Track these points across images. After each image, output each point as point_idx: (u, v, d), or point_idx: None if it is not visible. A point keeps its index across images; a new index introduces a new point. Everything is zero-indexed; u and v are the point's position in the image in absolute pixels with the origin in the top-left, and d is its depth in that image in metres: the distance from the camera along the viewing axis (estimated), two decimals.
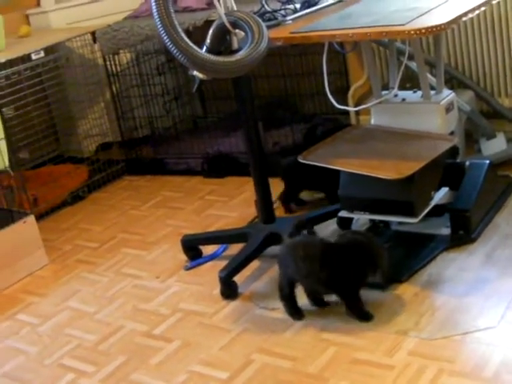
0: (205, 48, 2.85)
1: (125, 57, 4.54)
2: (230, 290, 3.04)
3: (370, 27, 2.69)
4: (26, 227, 3.58)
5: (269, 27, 2.89)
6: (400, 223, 3.08)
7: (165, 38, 2.60)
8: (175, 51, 2.60)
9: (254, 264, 3.18)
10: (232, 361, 2.62)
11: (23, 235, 3.57)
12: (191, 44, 2.62)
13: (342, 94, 4.15)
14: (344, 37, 2.77)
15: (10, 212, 3.68)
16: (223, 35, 2.87)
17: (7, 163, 3.46)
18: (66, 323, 3.11)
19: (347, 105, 4.14)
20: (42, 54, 4.11)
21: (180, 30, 2.59)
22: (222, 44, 2.89)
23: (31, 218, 3.61)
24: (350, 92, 4.24)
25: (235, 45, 2.89)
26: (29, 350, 2.97)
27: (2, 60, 3.94)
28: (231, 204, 3.91)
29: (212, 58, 2.65)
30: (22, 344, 3.04)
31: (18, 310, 3.31)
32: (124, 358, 2.78)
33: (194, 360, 2.67)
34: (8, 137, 3.59)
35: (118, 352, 2.82)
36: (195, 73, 2.86)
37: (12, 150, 3.66)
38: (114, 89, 4.58)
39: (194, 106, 4.96)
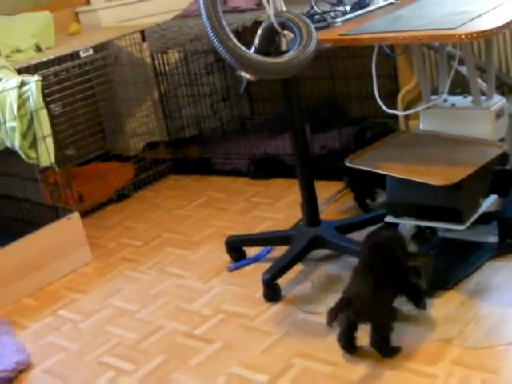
0: (253, 49, 2.83)
1: (173, 56, 4.54)
2: (272, 293, 3.01)
3: (420, 30, 2.65)
4: (71, 224, 3.59)
5: (318, 29, 2.86)
6: (447, 230, 3.03)
7: (212, 37, 2.59)
8: (223, 51, 2.59)
9: (298, 267, 3.15)
10: (272, 364, 2.59)
11: (68, 232, 3.58)
12: (239, 44, 2.60)
13: (391, 97, 4.09)
14: (394, 40, 2.73)
15: (55, 208, 3.69)
16: (272, 36, 2.85)
17: (53, 160, 3.46)
18: (108, 321, 3.11)
19: (396, 109, 4.09)
20: (91, 51, 4.13)
21: (228, 29, 2.58)
22: (271, 45, 2.87)
23: (76, 215, 3.62)
24: (400, 96, 4.19)
25: (284, 46, 2.86)
26: (69, 347, 2.98)
27: (51, 57, 3.96)
28: (276, 206, 3.88)
29: (259, 58, 2.63)
30: (62, 340, 3.04)
31: (60, 306, 3.32)
32: (164, 357, 2.77)
33: (234, 362, 2.65)
34: (55, 133, 3.59)
35: (158, 351, 2.81)
36: (243, 73, 2.83)
37: (58, 146, 3.65)
38: (161, 88, 4.57)
39: (241, 107, 4.94)
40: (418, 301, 2.64)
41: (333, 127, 4.17)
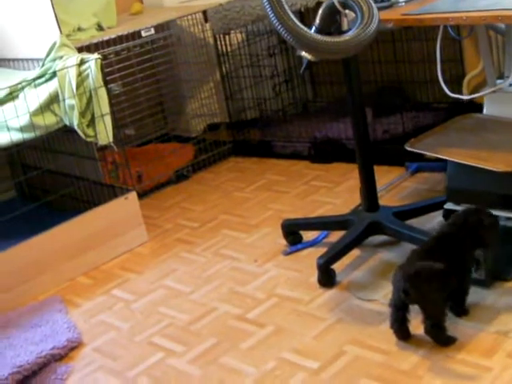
0: (314, 28, 2.78)
1: (235, 37, 4.49)
2: (327, 278, 2.96)
3: (485, 11, 2.56)
4: (128, 203, 3.58)
5: (380, 8, 2.78)
6: (508, 218, 2.93)
7: (272, 16, 2.55)
8: (282, 30, 2.55)
9: (354, 253, 3.10)
10: (324, 351, 2.55)
11: (124, 211, 3.58)
12: (298, 23, 2.56)
13: (456, 82, 3.99)
14: (458, 20, 2.64)
15: (112, 187, 3.69)
16: (333, 15, 2.79)
17: (111, 138, 3.44)
18: (160, 301, 3.10)
19: (462, 94, 3.98)
20: (152, 31, 4.10)
21: (287, 8, 2.53)
22: (332, 24, 2.81)
23: (133, 195, 3.61)
24: (465, 81, 4.07)
25: (345, 26, 2.80)
26: (121, 326, 2.97)
27: (112, 36, 3.95)
28: (336, 190, 3.82)
29: (318, 37, 2.58)
30: (114, 319, 3.04)
31: (113, 285, 3.32)
32: (215, 340, 2.74)
33: (285, 347, 2.61)
34: (114, 113, 3.58)
35: (209, 334, 2.79)
36: (303, 53, 2.77)
37: (118, 126, 3.64)
38: (223, 69, 4.53)
39: (304, 90, 4.87)
40: (461, 305, 2.55)
41: (396, 112, 4.08)
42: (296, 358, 2.54)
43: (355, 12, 2.66)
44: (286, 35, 2.57)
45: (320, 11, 2.79)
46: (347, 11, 2.74)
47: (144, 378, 2.61)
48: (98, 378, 2.68)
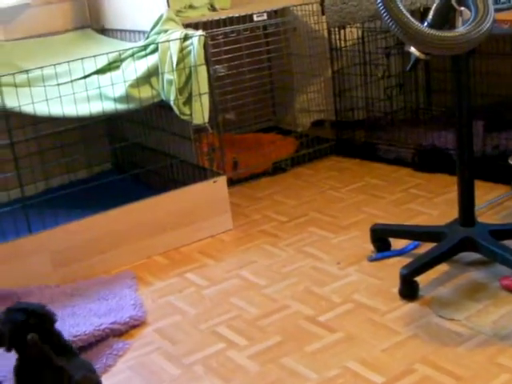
0: (425, 23, 2.63)
1: (351, 32, 4.34)
2: (409, 290, 2.81)
3: None
4: (216, 187, 3.50)
5: (498, 10, 2.62)
6: None
7: (381, 8, 2.43)
8: (390, 22, 2.44)
9: (442, 268, 2.95)
10: (392, 366, 2.40)
11: (212, 195, 3.50)
12: (408, 15, 2.43)
13: None
14: None
15: (203, 169, 3.61)
16: (447, 12, 2.64)
17: (207, 119, 3.36)
18: (233, 291, 3.00)
19: None
20: (265, 16, 4.02)
21: (398, 1, 2.40)
22: (445, 22, 2.65)
23: (222, 179, 3.52)
24: None
25: (459, 24, 2.63)
26: (187, 311, 2.89)
27: (223, 16, 3.87)
28: (434, 201, 3.66)
29: (426, 30, 2.46)
30: (182, 303, 2.96)
31: (189, 268, 3.25)
32: (280, 338, 2.63)
33: (352, 356, 2.47)
34: (216, 95, 3.49)
35: (275, 331, 2.67)
36: (412, 49, 2.64)
37: (217, 108, 3.56)
38: (335, 65, 4.40)
39: (416, 96, 4.69)
40: None
41: (509, 128, 3.88)
42: (361, 370, 2.40)
43: (470, 9, 2.49)
44: (394, 28, 2.46)
45: (434, 7, 2.65)
46: (462, 9, 2.57)
47: (200, 367, 2.51)
48: (154, 359, 2.60)
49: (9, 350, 2.19)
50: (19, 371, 2.17)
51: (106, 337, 2.69)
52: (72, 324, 2.73)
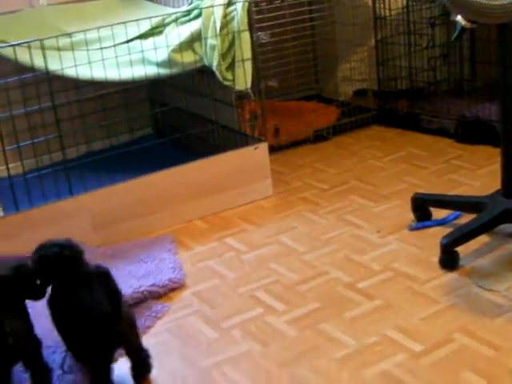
0: None
1: (395, 1, 4.29)
2: (449, 260, 2.79)
3: None
4: (257, 154, 3.50)
5: None
6: None
7: None
8: None
9: (483, 239, 2.92)
10: (430, 334, 2.39)
11: (253, 161, 3.49)
12: None
13: None
14: None
15: (244, 136, 3.60)
16: None
17: (249, 85, 3.35)
18: (272, 257, 3.00)
19: None
20: None
21: None
22: None
23: (264, 146, 3.52)
24: None
25: None
26: (227, 275, 2.90)
27: None
28: (477, 173, 3.62)
29: None
30: (221, 267, 2.97)
31: (229, 233, 3.25)
32: (318, 304, 2.63)
33: (390, 324, 2.46)
34: (259, 62, 3.48)
35: (314, 297, 2.67)
36: (457, 18, 2.60)
37: (260, 75, 3.54)
38: (379, 34, 4.35)
39: (461, 67, 4.63)
40: None
41: None
42: (400, 337, 2.39)
43: None
44: None
45: None
46: None
47: (238, 331, 2.52)
48: (192, 322, 2.61)
49: (46, 285, 2.23)
50: (52, 303, 2.21)
51: (145, 299, 2.70)
52: None
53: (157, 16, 3.51)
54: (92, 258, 2.82)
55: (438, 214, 3.17)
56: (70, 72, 3.35)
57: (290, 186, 3.70)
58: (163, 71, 3.40)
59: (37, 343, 2.22)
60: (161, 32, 3.50)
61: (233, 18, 3.31)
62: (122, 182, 3.26)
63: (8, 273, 2.25)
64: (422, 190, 3.40)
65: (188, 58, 3.38)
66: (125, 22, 3.35)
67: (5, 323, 2.09)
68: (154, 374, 2.34)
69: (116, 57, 3.35)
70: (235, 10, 3.30)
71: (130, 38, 3.51)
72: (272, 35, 3.93)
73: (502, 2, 2.40)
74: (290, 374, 2.27)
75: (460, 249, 2.79)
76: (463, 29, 2.69)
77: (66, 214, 3.15)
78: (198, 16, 3.37)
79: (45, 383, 2.23)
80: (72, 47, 3.35)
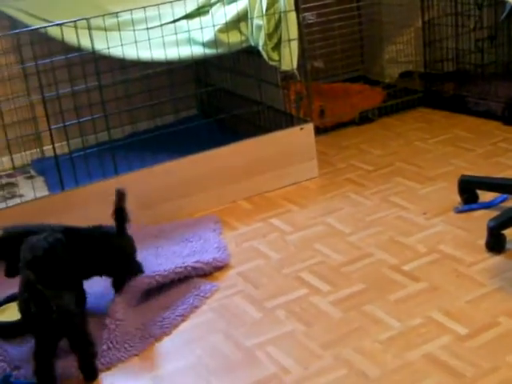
0: None
1: None
2: (496, 243, 2.76)
3: None
4: (302, 134, 3.48)
5: None
6: None
7: None
8: None
9: None
10: (476, 317, 2.36)
11: (298, 142, 3.48)
12: None
13: None
14: None
15: (290, 116, 3.59)
16: None
17: (295, 65, 3.33)
18: (316, 238, 3.00)
19: None
20: None
21: None
22: None
23: (309, 126, 3.50)
24: None
25: None
26: (271, 256, 2.90)
27: None
28: None
29: None
30: (266, 248, 2.97)
31: (273, 214, 3.25)
32: (363, 286, 2.61)
33: (436, 306, 2.44)
34: (305, 42, 3.46)
35: (359, 278, 2.66)
36: None
37: (306, 56, 3.52)
38: (426, 15, 4.30)
39: (509, 49, 4.56)
40: None
41: None
42: (445, 320, 2.37)
43: None
44: None
45: None
46: None
47: (282, 311, 2.52)
48: (236, 302, 2.61)
49: None
50: None
51: (189, 275, 2.70)
52: (154, 264, 2.75)
53: None
54: (136, 237, 2.84)
55: (485, 196, 3.13)
56: (116, 52, 3.36)
57: (335, 168, 3.68)
58: (209, 51, 3.40)
59: (82, 320, 2.24)
60: (207, 12, 3.49)
61: None
62: (167, 163, 3.27)
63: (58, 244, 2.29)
64: (468, 173, 3.36)
65: (234, 38, 3.38)
66: (171, 2, 3.34)
67: (51, 299, 2.11)
68: (199, 352, 2.34)
69: (162, 37, 3.35)
70: None
71: (176, 17, 3.51)
72: (318, 16, 3.91)
73: None
74: (333, 355, 2.26)
75: (507, 232, 2.75)
76: None
77: (110, 194, 3.15)
78: None
79: (89, 360, 2.25)
80: (118, 27, 3.36)
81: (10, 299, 2.64)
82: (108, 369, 2.32)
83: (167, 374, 2.27)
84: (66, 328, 2.17)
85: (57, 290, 2.18)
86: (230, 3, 3.42)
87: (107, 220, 2.77)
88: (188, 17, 3.52)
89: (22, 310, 2.25)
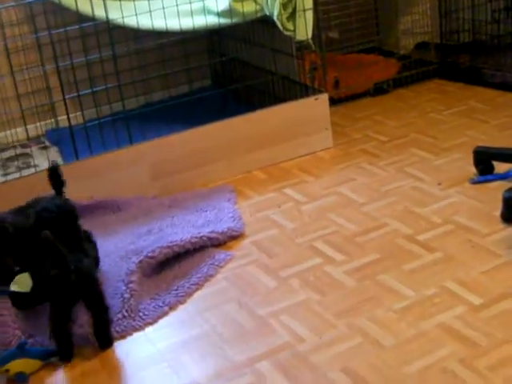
0: None
1: None
2: (511, 214, 2.73)
3: None
4: (317, 105, 3.47)
5: None
6: None
7: None
8: None
9: None
10: (490, 288, 2.35)
11: (313, 112, 3.47)
12: None
13: None
14: None
15: (305, 86, 3.57)
16: None
17: (310, 35, 3.31)
18: (331, 208, 2.99)
19: None
20: None
21: None
22: None
23: (324, 97, 3.49)
24: None
25: None
26: (285, 225, 2.90)
27: None
28: None
29: None
30: (280, 217, 2.97)
31: (287, 184, 3.25)
32: (378, 255, 2.61)
33: (450, 276, 2.44)
34: (319, 12, 3.44)
35: (373, 248, 2.65)
36: None
37: (320, 27, 3.50)
38: None
39: None
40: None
41: None
42: (459, 290, 2.36)
43: None
44: None
45: None
46: None
47: (296, 280, 2.52)
48: (251, 271, 2.62)
49: None
50: None
51: (204, 245, 2.71)
52: (170, 233, 2.76)
53: None
54: (150, 207, 2.86)
55: (501, 167, 3.11)
56: (131, 22, 3.35)
57: (349, 138, 3.67)
58: (224, 21, 3.38)
59: (98, 282, 2.25)
60: None
61: None
62: (181, 132, 3.26)
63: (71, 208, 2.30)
64: (482, 144, 3.34)
65: (249, 7, 3.36)
66: None
67: (70, 261, 2.12)
68: (213, 321, 2.35)
69: (177, 6, 3.34)
70: None
71: None
72: None
73: None
74: (347, 324, 2.26)
75: None
76: None
77: (124, 163, 3.17)
78: None
79: (104, 327, 2.26)
80: None
81: None
82: (123, 337, 2.33)
83: (181, 343, 2.28)
84: (83, 290, 2.18)
85: (74, 252, 2.19)
86: None
87: (117, 189, 2.79)
88: None
89: (37, 273, 2.26)
